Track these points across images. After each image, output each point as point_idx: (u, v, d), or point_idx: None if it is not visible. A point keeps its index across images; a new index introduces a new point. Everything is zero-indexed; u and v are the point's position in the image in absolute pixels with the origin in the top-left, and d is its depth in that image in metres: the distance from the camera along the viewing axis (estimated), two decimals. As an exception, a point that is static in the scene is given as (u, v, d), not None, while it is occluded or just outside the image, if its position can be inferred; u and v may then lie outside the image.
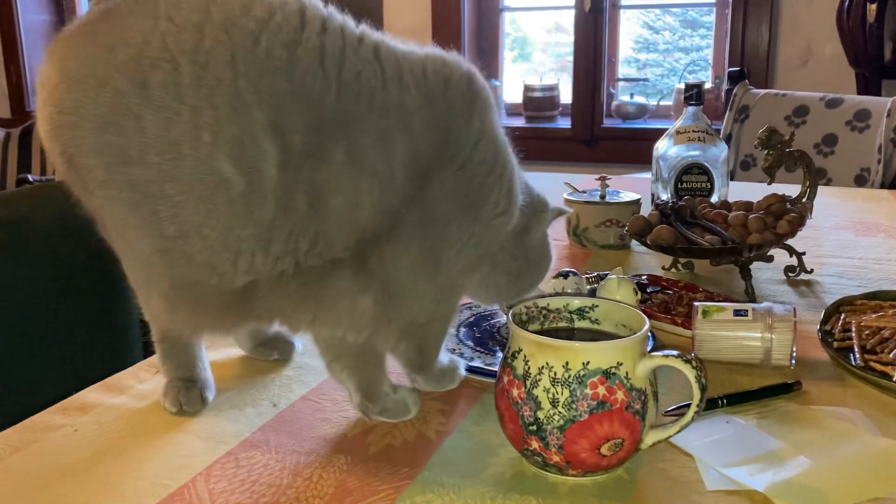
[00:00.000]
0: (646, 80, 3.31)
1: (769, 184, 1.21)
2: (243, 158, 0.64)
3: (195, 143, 0.63)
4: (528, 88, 3.31)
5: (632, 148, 3.04)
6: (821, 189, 1.23)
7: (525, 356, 0.63)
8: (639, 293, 0.89)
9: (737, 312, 0.85)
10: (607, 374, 0.61)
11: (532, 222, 0.81)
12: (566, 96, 3.29)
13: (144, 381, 0.84)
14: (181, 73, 0.63)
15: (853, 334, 0.87)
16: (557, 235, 1.39)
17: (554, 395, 0.61)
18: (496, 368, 0.68)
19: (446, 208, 0.71)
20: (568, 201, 1.35)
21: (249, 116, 0.63)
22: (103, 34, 0.66)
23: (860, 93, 2.57)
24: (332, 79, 0.66)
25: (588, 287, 0.95)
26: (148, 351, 0.81)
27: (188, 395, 0.77)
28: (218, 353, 0.90)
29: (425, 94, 0.69)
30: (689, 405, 0.63)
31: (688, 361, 0.61)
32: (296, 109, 0.65)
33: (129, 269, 0.73)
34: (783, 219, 1.07)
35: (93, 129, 0.65)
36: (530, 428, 0.62)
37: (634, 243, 1.34)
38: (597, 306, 0.71)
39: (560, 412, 0.61)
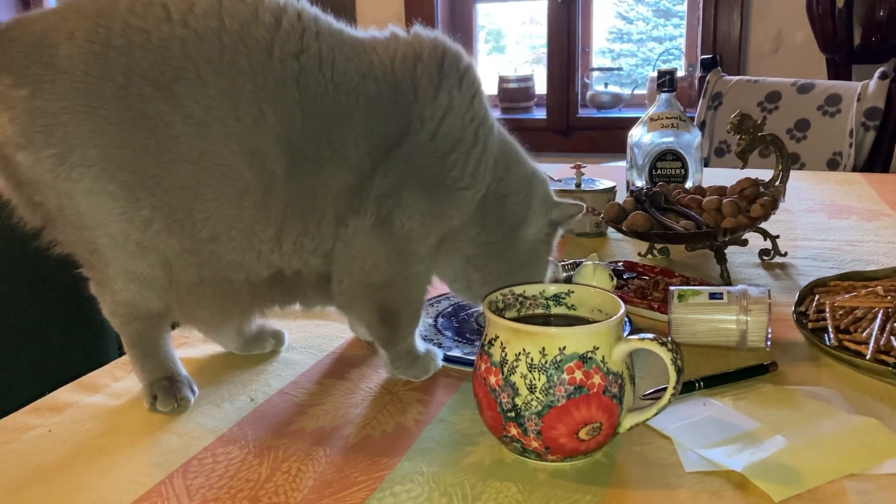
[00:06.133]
0: (620, 69, 3.32)
1: (742, 168, 1.22)
2: (261, 165, 0.69)
3: (224, 151, 0.68)
4: (502, 80, 3.31)
5: (607, 137, 3.05)
6: (793, 173, 1.24)
7: (502, 343, 0.63)
8: (614, 279, 0.90)
9: (712, 296, 0.86)
10: (584, 359, 0.61)
11: (530, 217, 0.81)
12: (541, 87, 3.30)
13: (119, 379, 0.83)
14: (207, 86, 0.67)
15: (827, 315, 0.88)
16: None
17: (531, 381, 0.61)
18: (474, 358, 0.68)
19: (402, 177, 0.74)
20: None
21: (267, 125, 0.68)
22: (103, 32, 0.66)
23: (831, 78, 2.60)
24: (329, 83, 0.71)
25: (564, 275, 0.96)
26: (124, 350, 0.80)
27: (181, 391, 0.76)
28: (194, 349, 0.90)
29: (392, 82, 0.73)
30: (665, 388, 0.63)
31: (663, 344, 0.62)
32: (302, 116, 0.70)
33: (113, 274, 0.72)
34: (757, 202, 1.08)
35: (118, 131, 0.66)
36: (508, 414, 0.62)
37: (610, 230, 1.34)
38: (572, 292, 0.71)
39: (538, 398, 0.61)
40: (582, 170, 1.36)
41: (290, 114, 0.69)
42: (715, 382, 0.77)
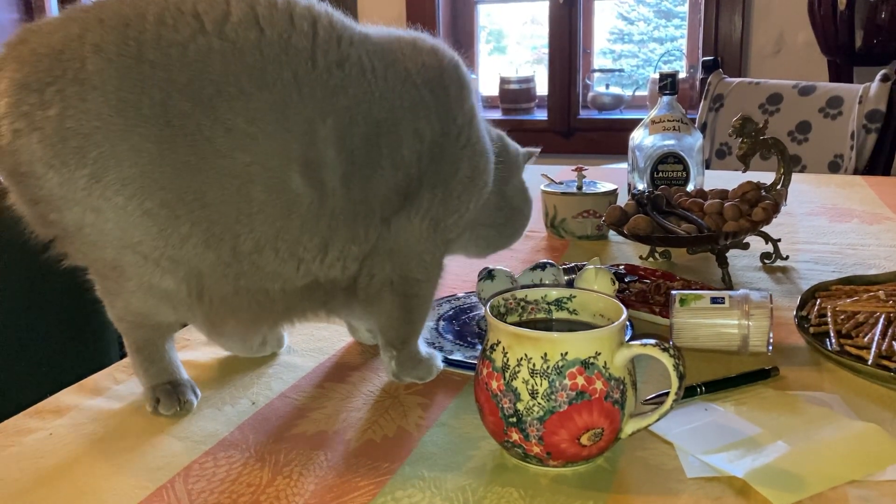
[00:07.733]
0: (621, 70, 3.32)
1: (744, 171, 1.21)
2: (313, 174, 0.68)
3: (271, 163, 0.66)
4: (504, 81, 3.31)
5: (608, 138, 3.05)
6: (795, 176, 1.24)
7: (504, 348, 0.63)
8: (616, 283, 0.89)
9: (714, 300, 0.86)
10: (586, 365, 0.61)
11: (510, 171, 0.88)
12: (542, 88, 3.30)
13: (121, 381, 0.83)
14: (251, 99, 0.65)
15: (829, 319, 0.88)
16: (535, 227, 1.39)
17: (533, 387, 0.61)
18: (475, 361, 0.68)
19: (454, 182, 0.77)
20: (545, 193, 1.35)
21: (316, 135, 0.67)
22: (134, 45, 0.63)
23: (832, 80, 2.60)
24: (374, 89, 0.71)
25: (565, 278, 0.95)
26: (125, 352, 0.80)
27: (185, 395, 0.76)
28: (195, 352, 0.89)
29: (428, 85, 0.75)
30: (667, 393, 0.63)
31: (665, 350, 0.62)
32: (352, 123, 0.69)
33: (134, 288, 0.71)
34: (758, 206, 1.08)
35: (156, 149, 0.64)
36: (510, 420, 0.62)
37: (612, 233, 1.34)
38: (574, 297, 0.71)
39: (539, 403, 0.61)
40: (583, 172, 1.36)
41: (342, 122, 0.68)
42: (716, 387, 0.77)
